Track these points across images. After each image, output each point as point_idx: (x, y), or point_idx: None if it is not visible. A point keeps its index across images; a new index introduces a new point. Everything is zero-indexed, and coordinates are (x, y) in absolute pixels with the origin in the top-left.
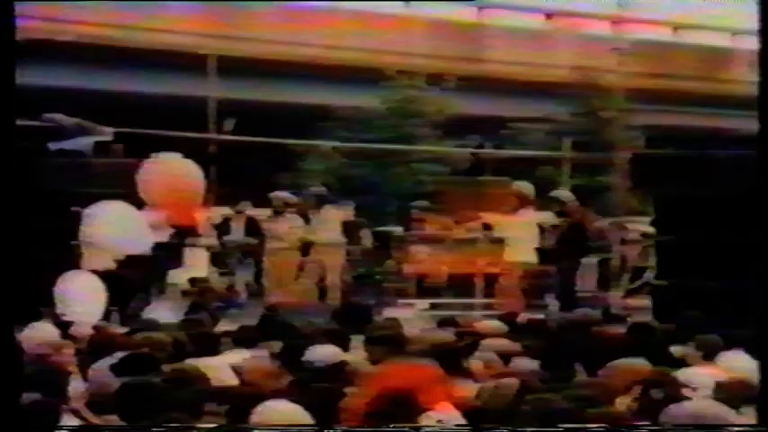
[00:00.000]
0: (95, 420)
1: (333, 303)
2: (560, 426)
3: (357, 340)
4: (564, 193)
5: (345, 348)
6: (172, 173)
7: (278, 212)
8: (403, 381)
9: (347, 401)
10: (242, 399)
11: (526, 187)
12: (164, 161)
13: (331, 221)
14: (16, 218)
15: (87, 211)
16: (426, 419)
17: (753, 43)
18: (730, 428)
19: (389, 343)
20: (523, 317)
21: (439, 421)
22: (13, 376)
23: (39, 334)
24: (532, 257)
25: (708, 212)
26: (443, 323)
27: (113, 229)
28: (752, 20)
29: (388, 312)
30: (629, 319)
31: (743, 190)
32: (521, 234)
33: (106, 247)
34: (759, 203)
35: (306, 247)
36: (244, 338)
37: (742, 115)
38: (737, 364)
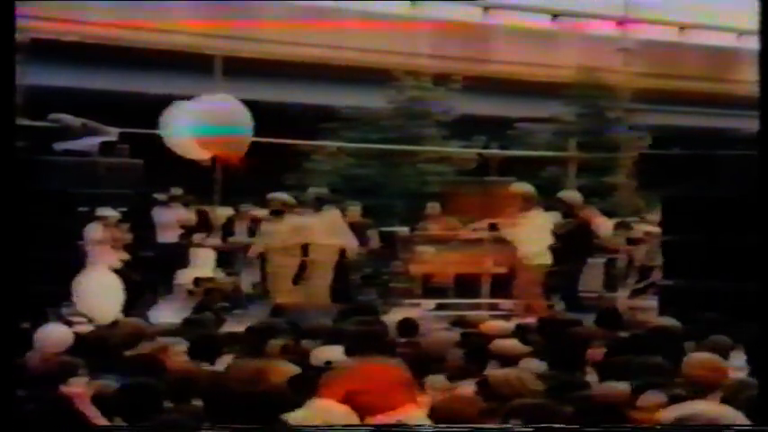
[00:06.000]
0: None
1: (337, 304)
2: (560, 426)
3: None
4: (570, 194)
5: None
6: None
7: (276, 213)
8: (367, 381)
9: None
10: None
11: (527, 188)
12: (216, 96)
13: (329, 222)
14: (20, 218)
15: None
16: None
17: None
18: (730, 428)
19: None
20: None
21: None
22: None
23: (54, 335)
24: (547, 258)
25: (714, 212)
26: (456, 323)
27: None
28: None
29: (395, 313)
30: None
31: (750, 190)
32: (533, 234)
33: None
34: (762, 203)
35: (305, 249)
36: (249, 339)
37: (749, 115)
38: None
